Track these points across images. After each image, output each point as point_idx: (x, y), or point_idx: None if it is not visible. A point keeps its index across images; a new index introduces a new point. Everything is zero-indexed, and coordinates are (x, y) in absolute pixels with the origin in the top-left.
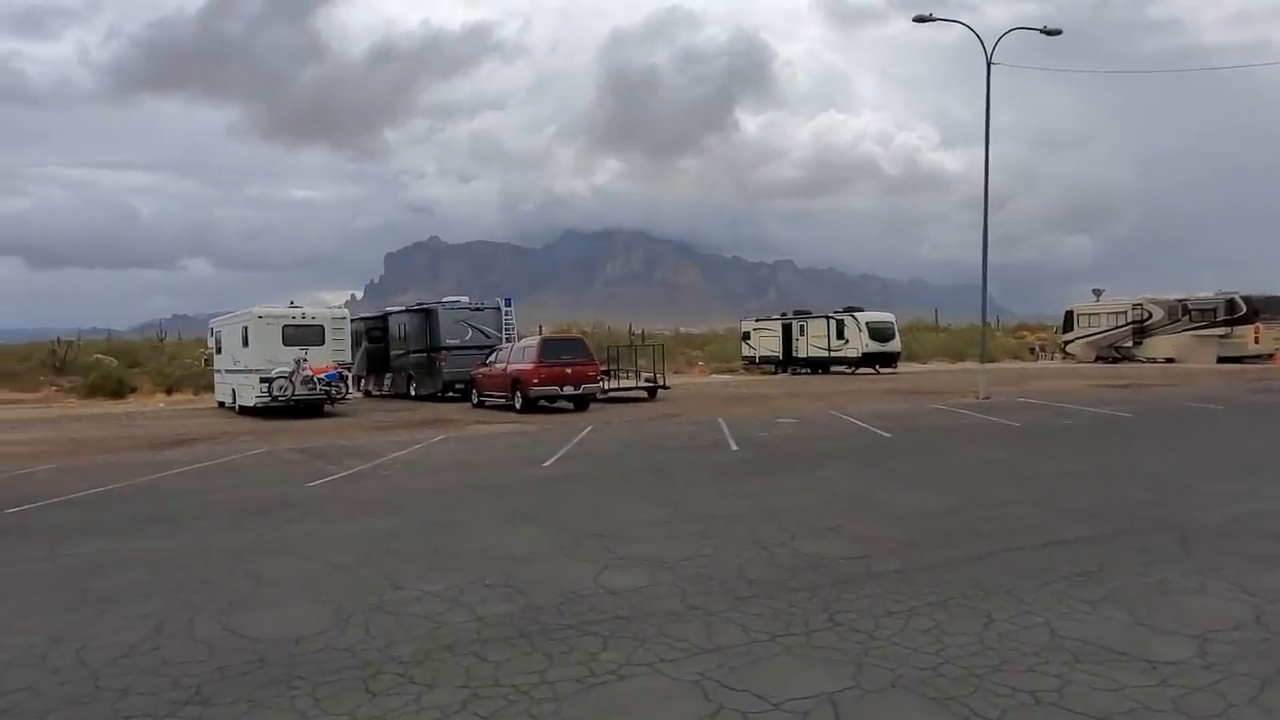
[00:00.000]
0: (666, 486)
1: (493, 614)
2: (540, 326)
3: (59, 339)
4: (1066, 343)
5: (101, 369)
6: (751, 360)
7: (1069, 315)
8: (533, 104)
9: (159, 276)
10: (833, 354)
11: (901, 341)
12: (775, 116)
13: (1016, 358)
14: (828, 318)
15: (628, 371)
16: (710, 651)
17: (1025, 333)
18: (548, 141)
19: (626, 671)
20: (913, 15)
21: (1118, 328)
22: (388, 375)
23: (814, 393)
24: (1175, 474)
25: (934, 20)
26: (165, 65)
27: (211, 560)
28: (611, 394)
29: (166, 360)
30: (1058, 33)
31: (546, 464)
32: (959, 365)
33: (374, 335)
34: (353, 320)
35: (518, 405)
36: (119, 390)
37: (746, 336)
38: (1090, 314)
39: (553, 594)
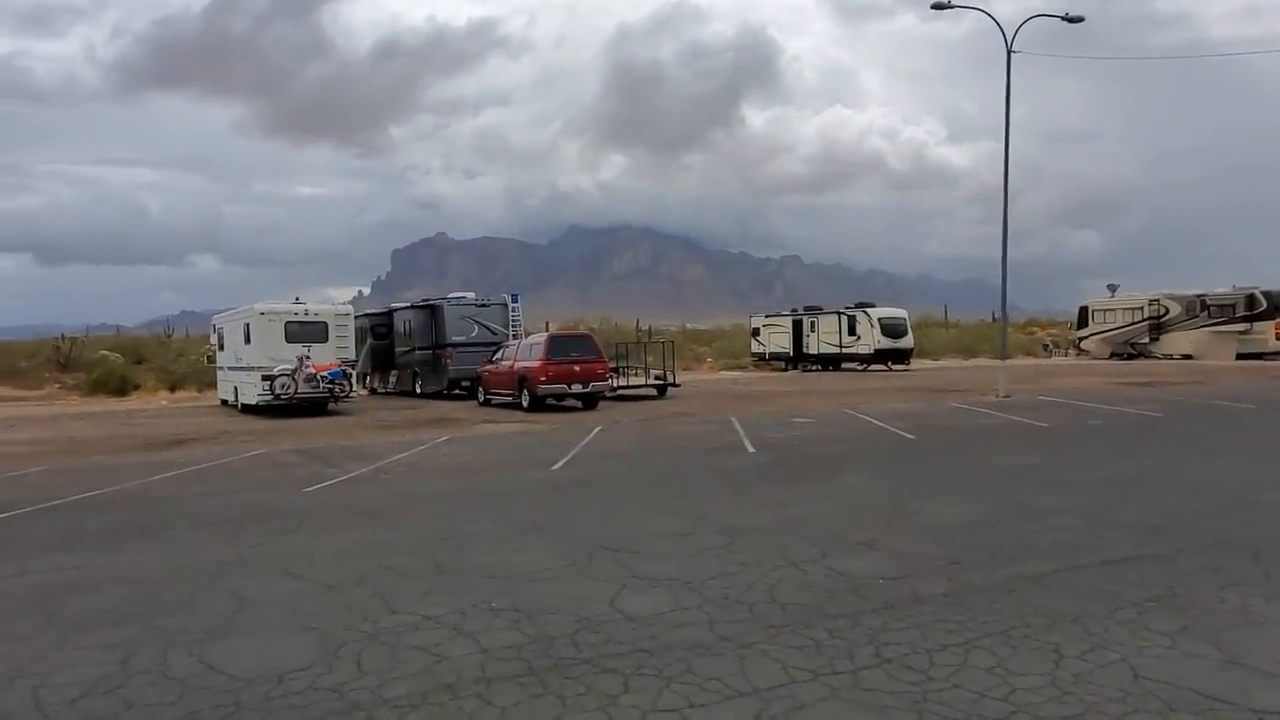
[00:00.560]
0: (683, 494)
1: (499, 645)
2: (547, 323)
3: (63, 335)
4: (1081, 339)
5: (105, 366)
6: (761, 357)
7: (1083, 311)
8: (538, 100)
9: (167, 273)
10: (844, 350)
11: (914, 338)
12: (782, 112)
13: (1029, 354)
14: (839, 313)
15: (636, 369)
16: (747, 695)
17: (1035, 328)
18: (553, 137)
19: None
20: (930, 3)
21: (1134, 324)
22: (393, 373)
23: (827, 390)
24: (1229, 482)
25: (952, 7)
26: (171, 62)
27: (193, 578)
28: (620, 392)
29: (173, 357)
30: (1080, 19)
31: (555, 467)
32: (972, 362)
33: (379, 332)
34: (357, 317)
35: (525, 404)
36: (122, 388)
37: (756, 333)
38: (1105, 310)
39: (565, 620)
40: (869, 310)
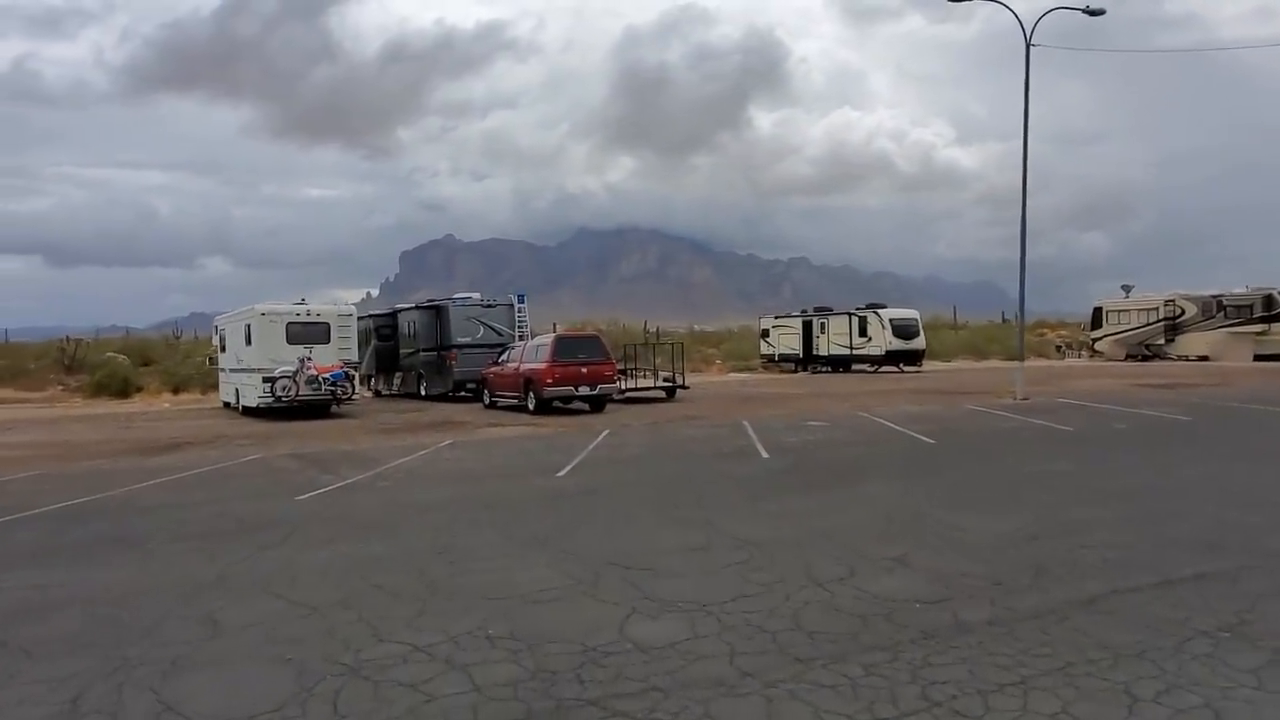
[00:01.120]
0: (696, 503)
1: (494, 681)
2: (554, 324)
3: (68, 337)
4: (1095, 340)
5: (109, 368)
6: (770, 358)
7: (1097, 312)
8: (546, 102)
9: (177, 275)
10: (855, 352)
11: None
12: (789, 114)
13: (1041, 355)
14: (850, 315)
15: (645, 370)
16: None
17: (1044, 330)
18: (561, 139)
19: None
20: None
21: (1149, 325)
22: (397, 374)
23: (839, 393)
24: (1272, 491)
25: (969, 0)
26: (180, 65)
27: (166, 598)
28: (628, 394)
29: (180, 359)
30: (1100, 12)
31: (560, 474)
32: (983, 364)
33: (383, 333)
34: (361, 318)
35: (531, 406)
36: (124, 390)
37: (765, 334)
38: (1120, 311)
39: (569, 651)
40: (880, 311)
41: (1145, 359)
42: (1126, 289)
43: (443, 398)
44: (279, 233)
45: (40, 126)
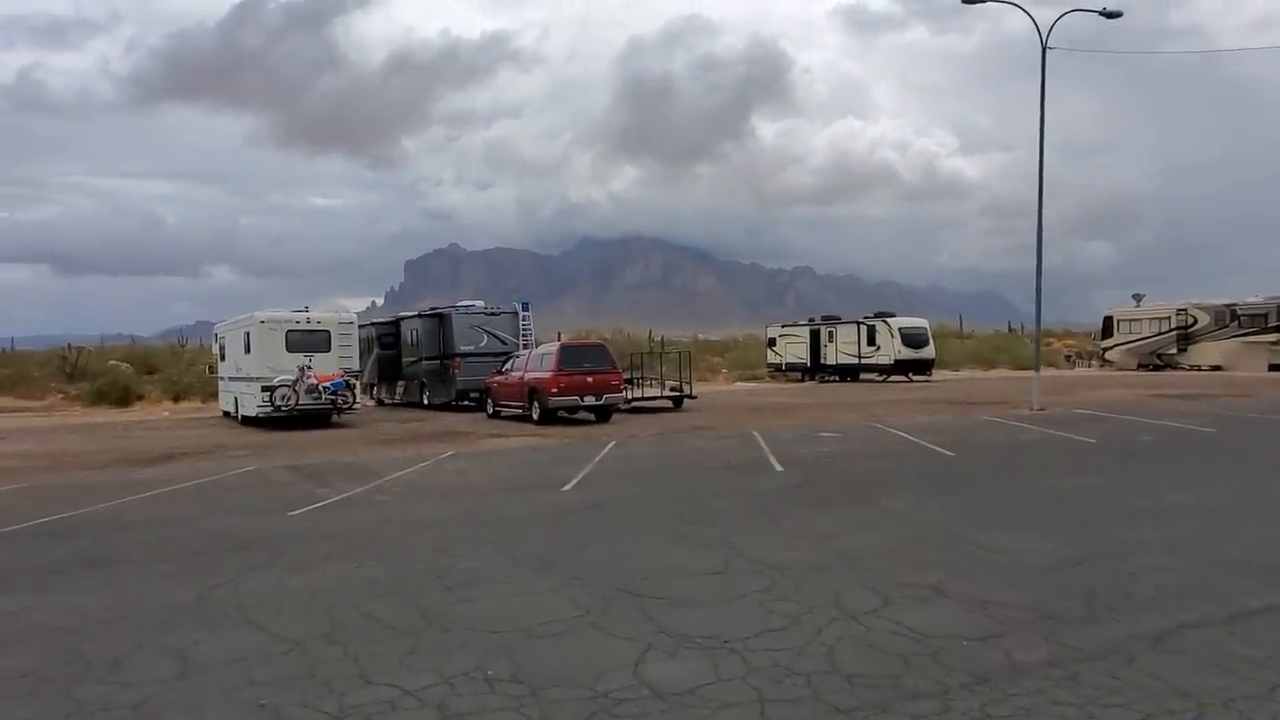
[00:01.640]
0: (709, 521)
1: None
2: (559, 333)
3: (69, 345)
4: (1106, 349)
5: (110, 376)
6: (777, 368)
7: (1108, 321)
8: (550, 111)
9: (183, 283)
10: (863, 361)
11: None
12: (793, 123)
13: (1050, 365)
14: (858, 323)
15: (651, 380)
16: None
17: (1051, 339)
18: (565, 149)
19: None
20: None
21: (1161, 334)
22: (400, 383)
23: (849, 403)
24: None
25: (984, 1)
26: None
27: (137, 628)
28: (635, 404)
29: (184, 367)
30: (1118, 14)
31: (566, 488)
32: (993, 373)
33: (385, 341)
34: (363, 325)
35: (535, 416)
36: (124, 398)
37: (772, 343)
38: (1131, 320)
39: (578, 697)
40: (889, 320)
41: (1157, 369)
42: (1138, 298)
43: (445, 407)
44: (284, 241)
45: (47, 136)
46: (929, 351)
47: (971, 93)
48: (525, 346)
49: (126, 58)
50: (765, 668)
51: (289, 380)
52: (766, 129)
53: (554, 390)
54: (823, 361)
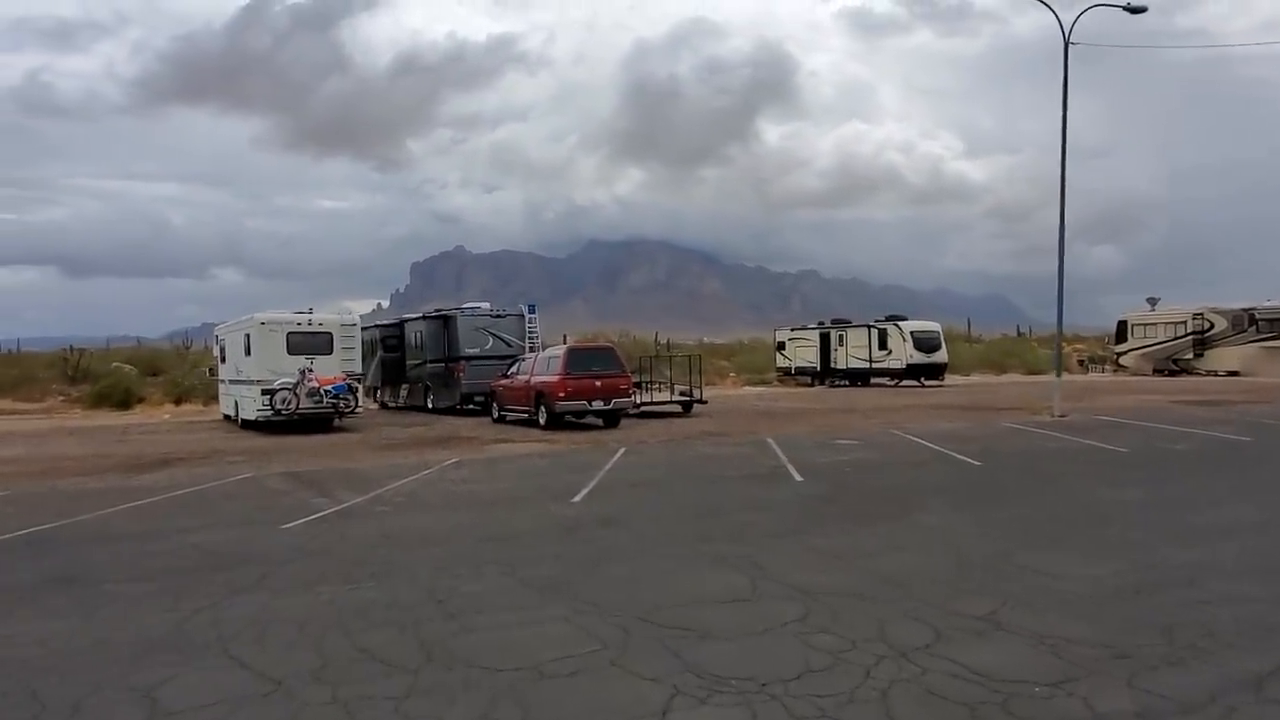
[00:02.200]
0: (731, 537)
1: None
2: (565, 336)
3: (71, 347)
4: (1120, 354)
5: (111, 378)
6: (786, 371)
7: (1122, 325)
8: (556, 114)
9: (190, 285)
10: (874, 365)
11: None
12: (799, 126)
13: (1064, 370)
14: (869, 327)
15: (659, 384)
16: None
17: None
18: (570, 151)
19: None
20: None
21: (1177, 339)
22: (404, 386)
23: (863, 408)
24: None
25: None
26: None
27: (103, 661)
28: (644, 409)
29: (188, 369)
30: (1143, 10)
31: (576, 499)
32: (1004, 377)
33: (389, 344)
34: (366, 328)
35: (542, 421)
36: (126, 400)
37: (781, 347)
38: (1146, 324)
39: None
40: (901, 323)
41: (1173, 374)
42: (1152, 301)
43: (450, 411)
44: (291, 244)
45: (54, 138)
46: (941, 356)
47: (977, 96)
48: (531, 349)
49: (133, 60)
50: (811, 718)
51: (289, 383)
52: (772, 132)
53: (561, 394)
54: (833, 366)
